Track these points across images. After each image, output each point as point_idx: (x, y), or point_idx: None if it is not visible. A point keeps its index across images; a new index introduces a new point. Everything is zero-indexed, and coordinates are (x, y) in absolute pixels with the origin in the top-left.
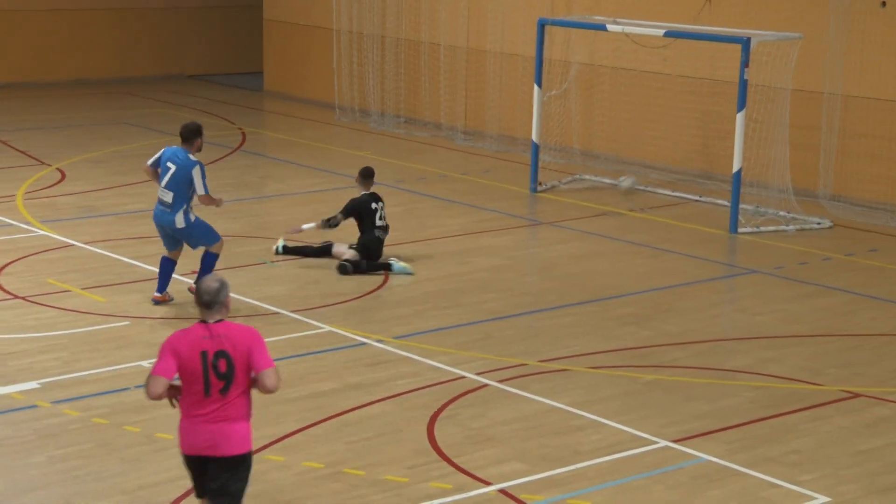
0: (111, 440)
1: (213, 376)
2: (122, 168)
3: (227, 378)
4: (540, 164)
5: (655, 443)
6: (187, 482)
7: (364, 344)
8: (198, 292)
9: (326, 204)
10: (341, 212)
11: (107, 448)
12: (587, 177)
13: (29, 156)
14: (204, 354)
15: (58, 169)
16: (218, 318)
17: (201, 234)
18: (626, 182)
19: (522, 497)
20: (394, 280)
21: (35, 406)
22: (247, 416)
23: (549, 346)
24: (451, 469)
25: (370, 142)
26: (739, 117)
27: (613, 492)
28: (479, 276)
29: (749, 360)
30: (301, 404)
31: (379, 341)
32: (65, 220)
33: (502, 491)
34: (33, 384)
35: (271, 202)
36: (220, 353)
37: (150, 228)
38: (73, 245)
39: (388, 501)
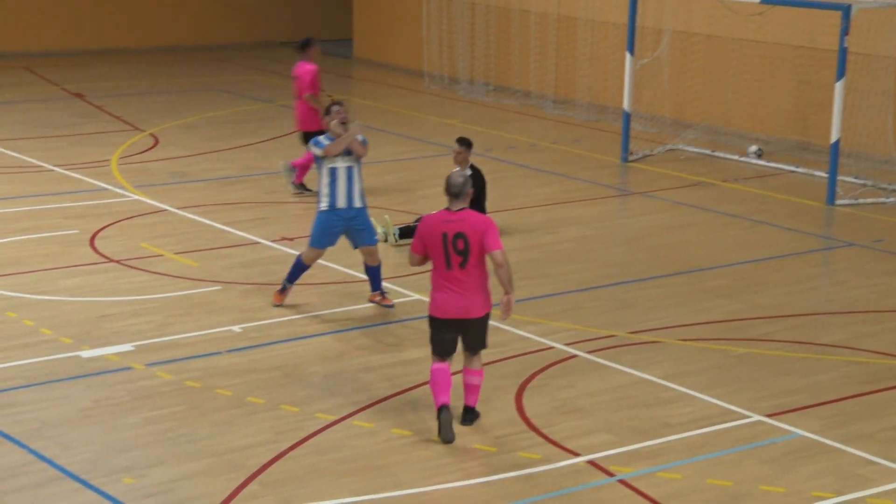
0: (203, 403)
1: (452, 252)
2: (213, 133)
3: (464, 254)
4: (631, 134)
5: (747, 417)
6: (277, 445)
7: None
8: (447, 185)
9: (415, 172)
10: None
11: (198, 411)
12: (679, 146)
13: (123, 121)
14: (444, 235)
15: (151, 135)
16: (460, 206)
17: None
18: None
19: (611, 468)
20: None
21: (130, 368)
22: (484, 286)
23: (639, 317)
24: (540, 439)
25: (459, 110)
26: (838, 86)
27: (703, 465)
28: (567, 247)
29: (845, 334)
30: (388, 371)
31: None
32: (158, 186)
33: (591, 462)
34: (128, 346)
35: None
36: (459, 235)
37: (242, 194)
38: (167, 210)
39: (477, 471)
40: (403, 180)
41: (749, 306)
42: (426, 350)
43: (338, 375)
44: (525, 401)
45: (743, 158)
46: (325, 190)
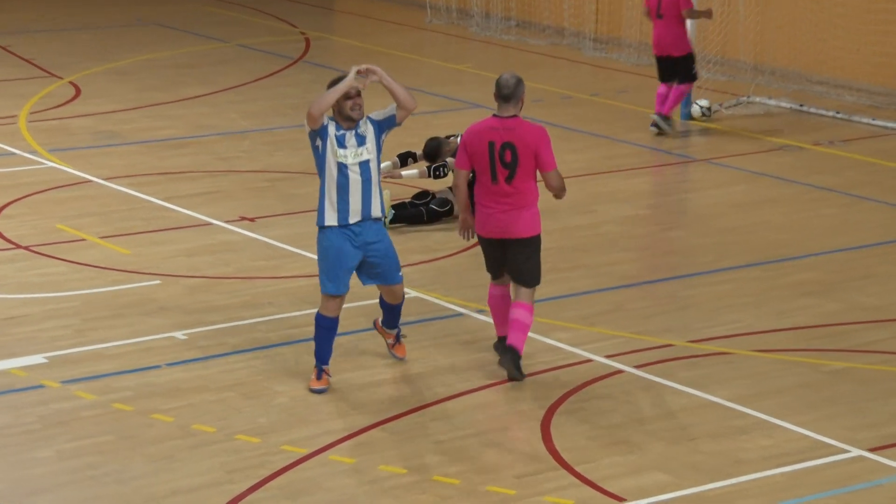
0: (136, 432)
1: (498, 165)
2: (152, 82)
3: (512, 168)
4: (695, 82)
5: (845, 452)
6: (232, 486)
7: (460, 315)
8: (497, 86)
9: (412, 133)
10: (453, 154)
11: (130, 442)
12: (758, 99)
13: (35, 65)
14: (491, 145)
15: (71, 83)
16: (512, 112)
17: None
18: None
19: None
20: None
21: (41, 386)
22: (533, 203)
23: (702, 321)
24: (573, 479)
25: (470, 51)
26: None
27: None
28: (609, 230)
29: None
30: (378, 391)
31: (480, 311)
32: (80, 150)
33: None
34: (38, 358)
35: None
36: (507, 145)
37: (189, 161)
38: (90, 181)
39: None
40: (398, 143)
41: (848, 307)
42: (425, 364)
43: (311, 397)
44: (554, 429)
45: (840, 114)
46: (330, 197)
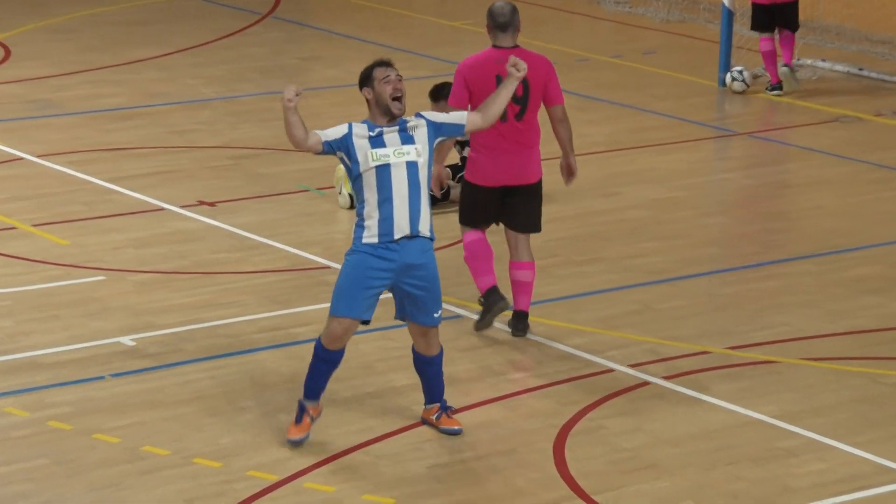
0: (76, 455)
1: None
2: (95, 42)
3: (523, 103)
4: (735, 42)
5: None
6: None
7: (458, 317)
8: (491, 15)
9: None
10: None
11: (69, 467)
12: (808, 61)
13: None
14: (498, 78)
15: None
16: (512, 42)
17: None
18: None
19: None
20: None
21: None
22: (539, 141)
23: (744, 324)
24: None
25: (469, 5)
26: None
27: None
28: (634, 216)
29: None
30: (364, 407)
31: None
32: (9, 122)
33: None
34: None
35: (319, 97)
36: None
37: (138, 135)
38: (22, 158)
39: None
40: None
41: None
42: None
43: (282, 414)
44: (570, 451)
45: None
46: (369, 212)
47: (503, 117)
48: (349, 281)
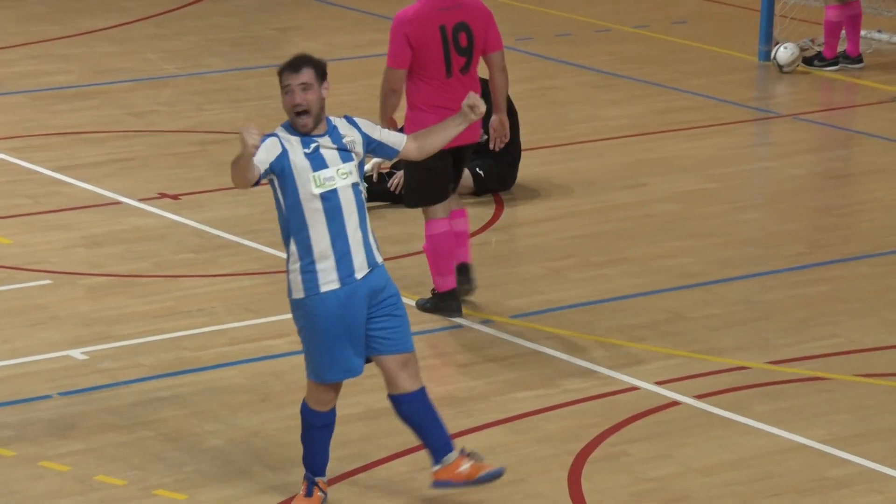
0: (19, 486)
1: (453, 53)
2: (41, 10)
3: (469, 54)
4: (778, 12)
5: None
6: None
7: (459, 326)
8: None
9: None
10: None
11: (11, 499)
12: (863, 33)
13: None
14: (443, 30)
15: None
16: None
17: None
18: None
19: None
20: (512, 214)
21: None
22: None
23: (788, 335)
24: None
25: None
26: None
27: None
28: (661, 211)
29: None
30: (346, 431)
31: (485, 322)
32: None
33: None
34: None
35: None
36: (461, 26)
37: (91, 117)
38: None
39: None
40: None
41: None
42: None
43: (254, 439)
44: (587, 481)
45: None
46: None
47: (448, 72)
48: (326, 335)
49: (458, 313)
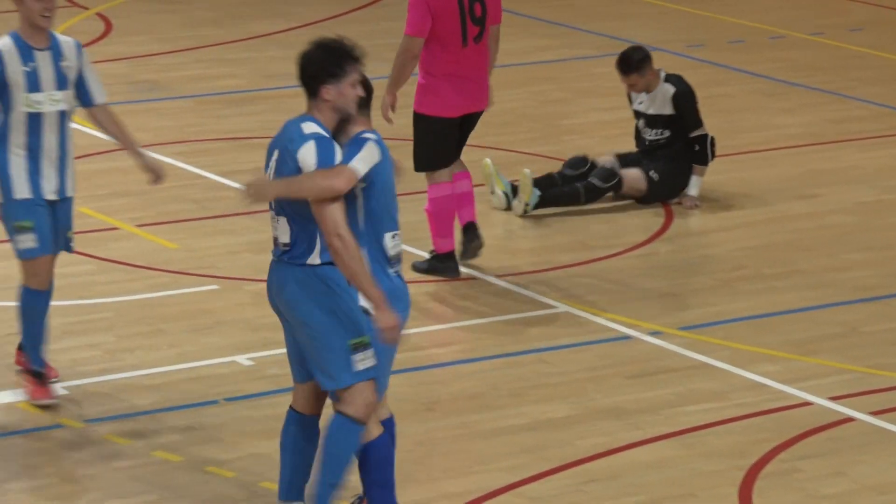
0: (185, 491)
1: (469, 23)
2: (209, 15)
3: (482, 24)
4: None
5: None
6: None
7: (627, 338)
8: None
9: (561, 85)
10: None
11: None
12: None
13: None
14: (462, 6)
15: (99, 15)
16: None
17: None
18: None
19: None
20: (680, 223)
21: (59, 426)
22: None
23: None
24: None
25: None
26: None
27: None
28: (836, 222)
29: None
30: (513, 441)
31: (653, 333)
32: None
33: None
34: (57, 388)
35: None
36: None
37: (253, 122)
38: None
39: None
40: (540, 100)
41: None
42: (576, 405)
43: (418, 448)
44: (758, 498)
45: None
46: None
47: (464, 42)
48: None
49: (456, 273)
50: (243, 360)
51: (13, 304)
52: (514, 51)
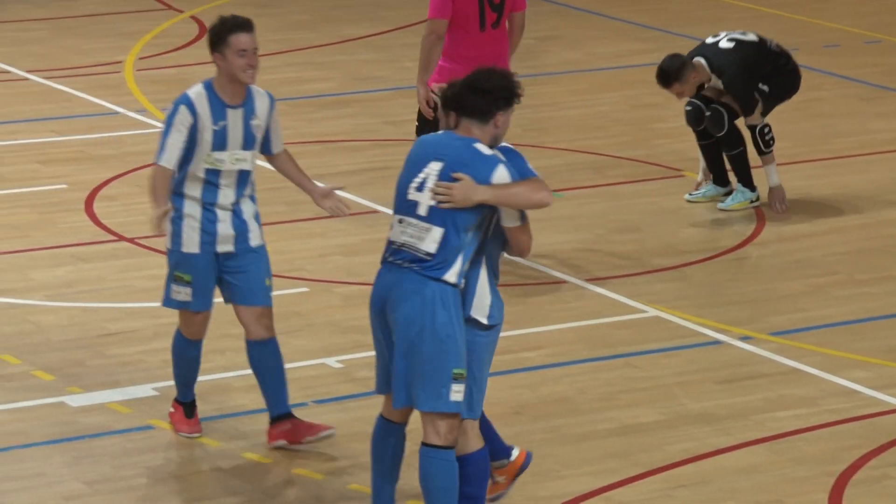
0: (275, 492)
1: (487, 8)
2: (301, 17)
3: (500, 10)
4: None
5: None
6: None
7: (716, 343)
8: None
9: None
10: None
11: None
12: None
13: None
14: None
15: (193, 18)
16: None
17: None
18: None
19: None
20: (772, 228)
21: (149, 427)
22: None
23: None
24: None
25: None
26: None
27: None
28: None
29: None
30: (601, 445)
31: (744, 339)
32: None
33: None
34: (146, 389)
35: (556, 83)
36: None
37: (345, 125)
38: None
39: None
40: (632, 104)
41: None
42: (664, 410)
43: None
44: (849, 503)
45: None
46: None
47: (482, 26)
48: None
49: None
50: (333, 362)
51: (105, 305)
52: (607, 55)
